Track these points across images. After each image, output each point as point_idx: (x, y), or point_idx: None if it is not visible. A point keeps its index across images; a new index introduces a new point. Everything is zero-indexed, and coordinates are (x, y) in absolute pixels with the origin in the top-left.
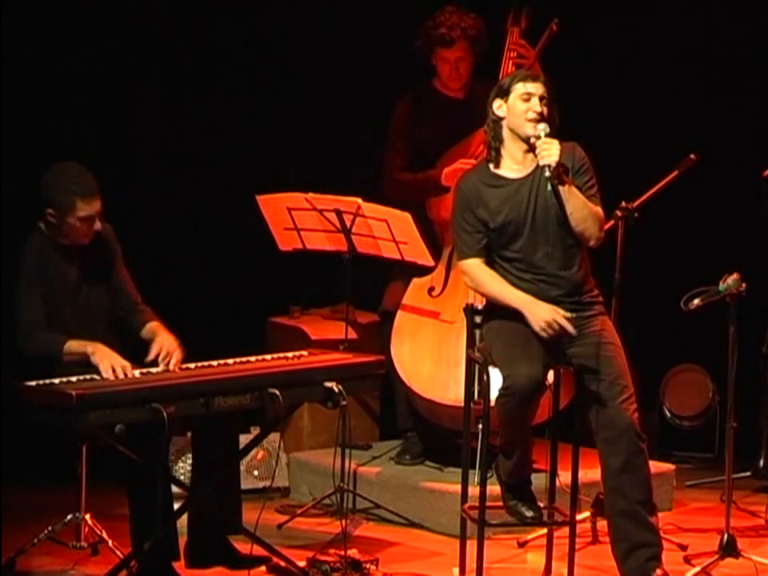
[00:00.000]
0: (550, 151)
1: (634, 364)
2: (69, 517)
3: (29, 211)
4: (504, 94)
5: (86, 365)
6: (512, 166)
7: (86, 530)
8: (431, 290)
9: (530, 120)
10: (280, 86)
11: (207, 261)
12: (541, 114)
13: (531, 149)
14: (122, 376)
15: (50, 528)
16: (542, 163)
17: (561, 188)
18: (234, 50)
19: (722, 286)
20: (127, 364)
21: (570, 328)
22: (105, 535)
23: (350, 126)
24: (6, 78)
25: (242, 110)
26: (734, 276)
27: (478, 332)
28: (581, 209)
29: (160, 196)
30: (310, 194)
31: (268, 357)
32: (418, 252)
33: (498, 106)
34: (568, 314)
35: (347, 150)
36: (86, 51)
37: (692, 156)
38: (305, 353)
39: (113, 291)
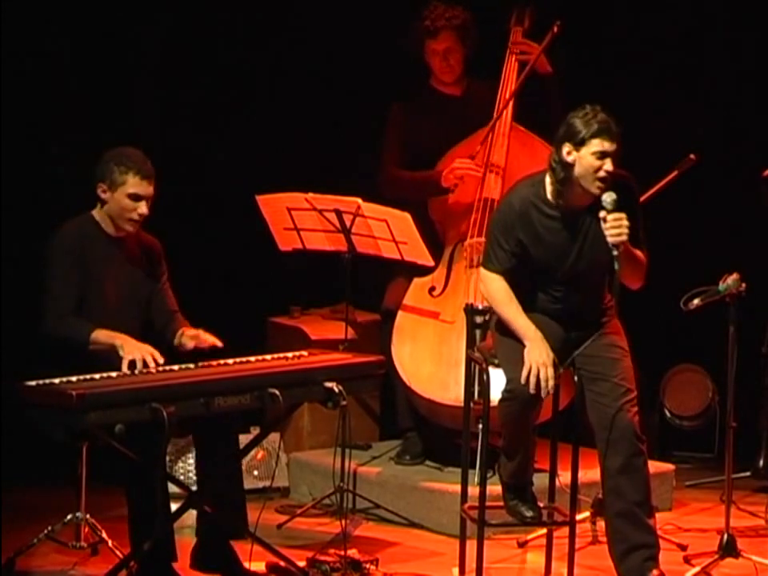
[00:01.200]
0: (620, 231)
1: (634, 364)
2: (69, 517)
3: (26, 205)
4: (578, 143)
5: (107, 358)
6: (569, 202)
7: (86, 529)
8: (432, 289)
9: (600, 178)
10: (280, 85)
11: (207, 261)
12: (613, 194)
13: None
14: (152, 364)
15: (49, 528)
16: (610, 241)
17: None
18: (233, 49)
19: (721, 285)
20: (155, 352)
21: (547, 386)
22: (105, 535)
23: (350, 126)
24: (5, 77)
25: (242, 109)
26: (734, 276)
27: (478, 332)
28: (634, 269)
29: (160, 196)
30: (310, 194)
31: (268, 357)
32: (417, 252)
33: (568, 152)
34: (559, 371)
35: (347, 150)
36: (86, 50)
37: (692, 156)
38: (305, 353)
39: (154, 304)
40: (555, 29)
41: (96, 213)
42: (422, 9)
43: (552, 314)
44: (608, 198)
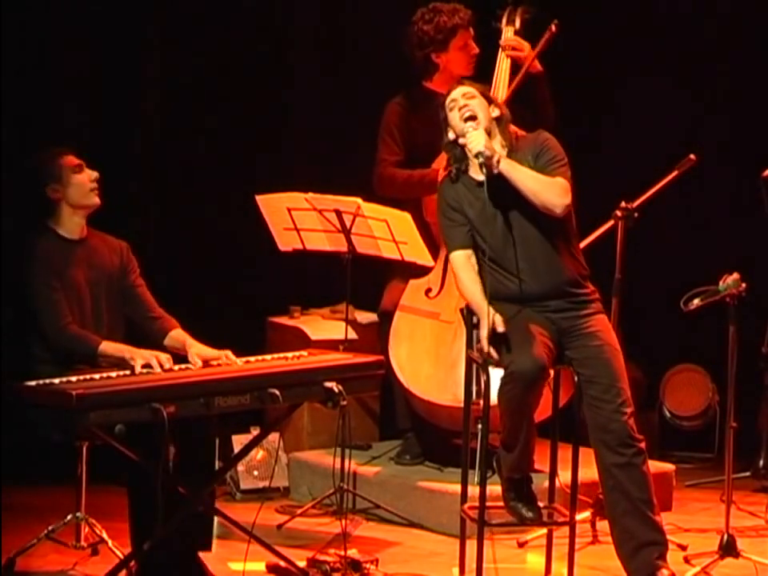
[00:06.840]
0: (475, 139)
1: (633, 364)
2: (69, 517)
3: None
4: (445, 122)
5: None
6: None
7: (86, 530)
8: (428, 290)
9: (465, 120)
10: (281, 85)
11: (207, 261)
12: (470, 112)
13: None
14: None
15: (49, 528)
16: (473, 153)
17: (503, 168)
18: (233, 48)
19: (721, 285)
20: (163, 355)
21: (485, 352)
22: (105, 535)
23: (350, 126)
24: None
25: (242, 109)
26: (734, 276)
27: (476, 332)
28: (531, 181)
29: (160, 196)
30: (310, 194)
31: (268, 357)
32: (417, 252)
33: (447, 134)
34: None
35: (347, 149)
36: (85, 50)
37: (692, 156)
38: (305, 353)
39: (130, 301)
40: (553, 28)
41: (49, 221)
42: (425, 14)
43: (516, 289)
44: (468, 124)
